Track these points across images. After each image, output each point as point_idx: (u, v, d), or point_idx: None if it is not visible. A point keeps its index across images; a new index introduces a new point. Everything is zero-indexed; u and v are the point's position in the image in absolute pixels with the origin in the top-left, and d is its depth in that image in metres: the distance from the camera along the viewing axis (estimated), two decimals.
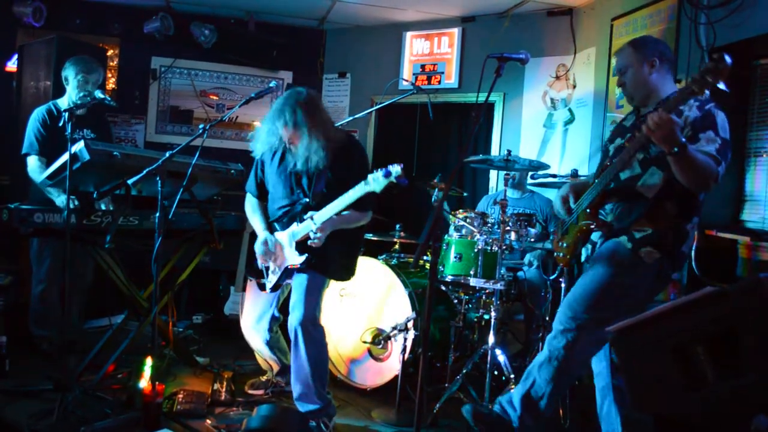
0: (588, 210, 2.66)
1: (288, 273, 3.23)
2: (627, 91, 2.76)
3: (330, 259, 3.19)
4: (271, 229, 3.31)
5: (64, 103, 4.05)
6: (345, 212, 3.08)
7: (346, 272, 3.36)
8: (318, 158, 3.06)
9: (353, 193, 2.95)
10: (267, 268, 3.31)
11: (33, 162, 3.92)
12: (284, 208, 3.24)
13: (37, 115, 4.00)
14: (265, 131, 3.17)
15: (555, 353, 2.70)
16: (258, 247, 3.26)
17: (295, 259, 3.15)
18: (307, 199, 3.16)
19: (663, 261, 2.56)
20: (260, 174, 3.39)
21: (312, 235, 3.04)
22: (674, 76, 2.81)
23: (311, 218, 3.05)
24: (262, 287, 3.37)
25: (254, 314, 3.53)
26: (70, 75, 3.97)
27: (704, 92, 2.21)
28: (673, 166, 2.40)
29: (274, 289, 3.31)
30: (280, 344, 3.64)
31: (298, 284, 3.17)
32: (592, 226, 2.67)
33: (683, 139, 2.31)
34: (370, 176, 2.89)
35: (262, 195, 3.42)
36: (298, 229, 3.13)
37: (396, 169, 2.81)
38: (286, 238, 3.19)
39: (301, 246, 3.13)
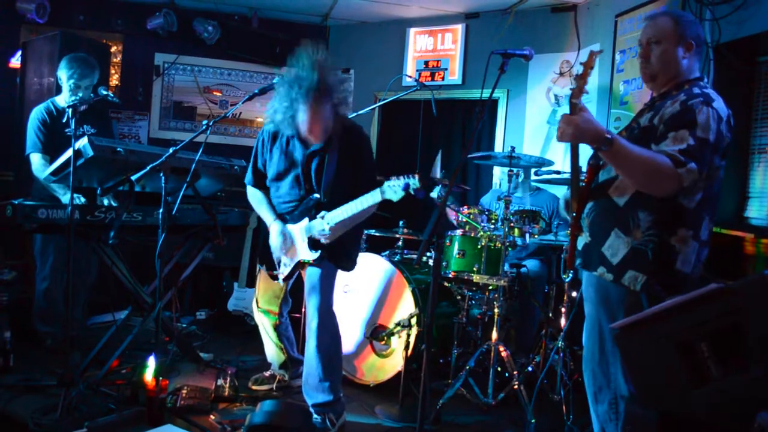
0: (574, 213, 2.42)
1: (300, 265, 3.24)
2: (649, 68, 2.38)
3: (340, 250, 3.21)
4: (281, 220, 3.30)
5: (61, 101, 4.05)
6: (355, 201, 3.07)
7: (353, 261, 3.37)
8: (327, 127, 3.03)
9: (368, 200, 2.94)
10: (279, 261, 3.33)
11: (37, 160, 3.92)
12: (293, 203, 3.23)
13: (36, 114, 4.00)
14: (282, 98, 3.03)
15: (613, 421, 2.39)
16: (275, 240, 3.24)
17: (307, 254, 3.15)
18: (318, 196, 3.14)
19: (651, 284, 2.24)
20: (260, 164, 3.34)
21: (322, 236, 3.06)
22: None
23: (322, 218, 3.07)
24: (274, 278, 3.38)
25: (266, 297, 3.58)
26: (63, 77, 3.98)
27: None
28: (611, 165, 2.23)
29: (285, 279, 3.34)
30: (288, 333, 3.68)
31: (311, 274, 3.19)
32: (571, 229, 2.44)
33: (608, 135, 2.10)
34: (386, 184, 2.87)
35: (260, 185, 3.37)
36: (310, 226, 3.13)
37: (414, 182, 2.79)
38: (299, 232, 3.19)
39: (313, 242, 3.14)
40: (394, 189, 2.84)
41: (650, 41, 2.36)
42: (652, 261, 2.24)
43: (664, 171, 2.10)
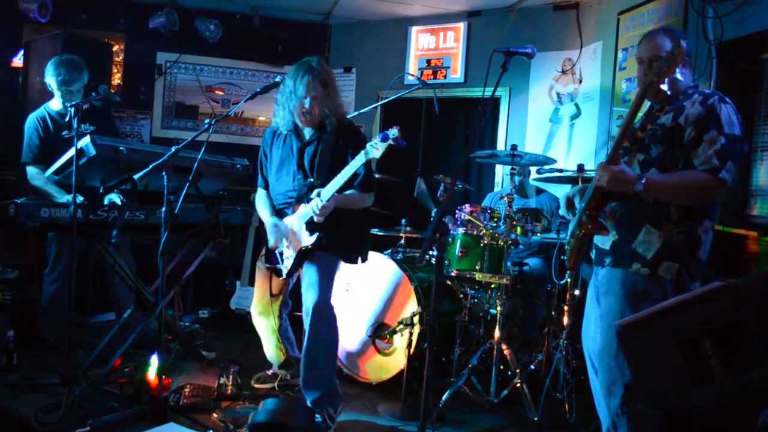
0: (587, 212, 2.46)
1: (303, 257, 3.24)
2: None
3: (340, 241, 3.22)
4: (279, 216, 3.34)
5: (55, 105, 4.02)
6: (348, 191, 3.16)
7: (356, 254, 3.37)
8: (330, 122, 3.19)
9: (354, 163, 3.01)
10: (281, 254, 3.33)
11: (32, 171, 3.93)
12: (291, 193, 3.28)
13: (31, 123, 3.97)
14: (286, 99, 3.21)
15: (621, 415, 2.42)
16: (270, 236, 3.29)
17: (306, 239, 3.17)
18: (312, 179, 3.19)
19: (681, 272, 2.38)
20: (265, 165, 3.42)
21: (315, 210, 3.06)
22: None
23: (318, 195, 3.08)
24: (278, 273, 3.38)
25: (264, 300, 3.56)
26: (52, 83, 3.91)
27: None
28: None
29: (290, 273, 3.33)
30: (288, 333, 3.68)
31: (309, 267, 3.20)
32: (589, 227, 2.46)
33: (640, 184, 2.26)
34: (368, 145, 2.96)
35: (267, 185, 3.47)
36: (306, 210, 3.15)
37: (393, 131, 2.89)
38: (296, 220, 3.22)
39: (311, 226, 3.16)
40: (374, 146, 2.94)
41: (651, 59, 2.48)
42: (683, 251, 2.38)
43: (706, 184, 2.28)
